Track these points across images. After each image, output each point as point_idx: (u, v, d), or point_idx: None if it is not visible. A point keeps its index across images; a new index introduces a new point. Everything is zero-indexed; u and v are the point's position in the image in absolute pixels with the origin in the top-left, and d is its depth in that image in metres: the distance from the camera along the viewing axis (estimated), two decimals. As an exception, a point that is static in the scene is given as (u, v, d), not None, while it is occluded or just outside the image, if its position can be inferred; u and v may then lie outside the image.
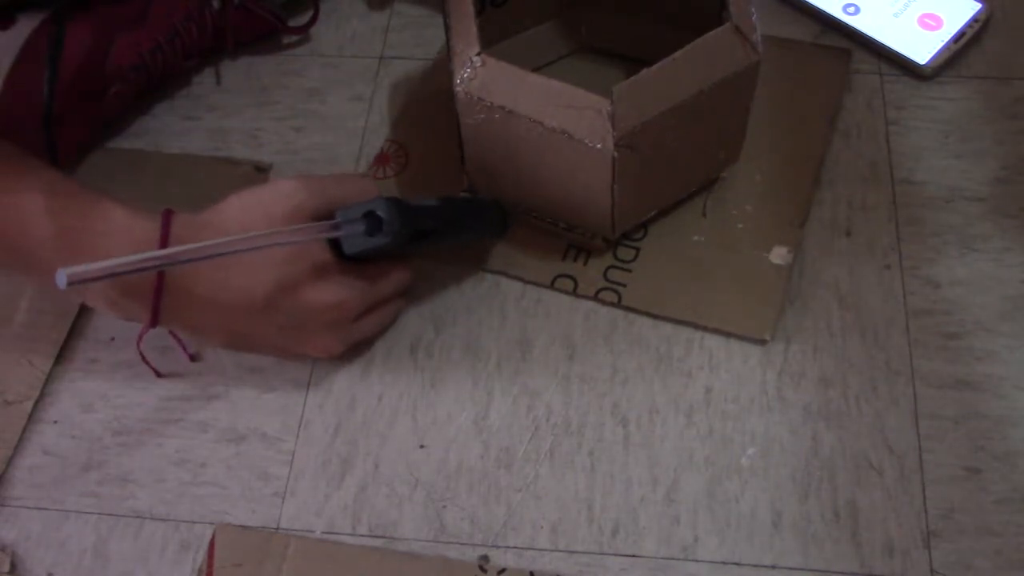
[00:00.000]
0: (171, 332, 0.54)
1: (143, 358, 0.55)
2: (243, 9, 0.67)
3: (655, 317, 0.56)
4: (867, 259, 0.57)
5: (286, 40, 0.71)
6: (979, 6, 0.66)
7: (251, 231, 0.46)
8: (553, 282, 0.57)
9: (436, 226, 0.51)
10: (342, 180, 0.52)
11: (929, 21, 0.66)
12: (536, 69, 0.64)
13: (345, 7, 0.72)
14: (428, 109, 0.65)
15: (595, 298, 0.56)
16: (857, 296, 0.56)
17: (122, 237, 0.47)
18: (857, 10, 0.67)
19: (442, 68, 0.65)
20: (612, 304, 0.56)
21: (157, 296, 0.47)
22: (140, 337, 0.52)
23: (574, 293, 0.57)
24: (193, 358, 0.56)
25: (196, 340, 0.53)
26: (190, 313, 0.49)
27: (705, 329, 0.55)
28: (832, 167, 0.61)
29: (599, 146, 0.49)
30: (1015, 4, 0.67)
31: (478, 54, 0.51)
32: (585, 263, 0.58)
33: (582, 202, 0.54)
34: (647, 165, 0.52)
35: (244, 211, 0.48)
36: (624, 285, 0.57)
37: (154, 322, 0.48)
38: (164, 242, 0.47)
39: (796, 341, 0.55)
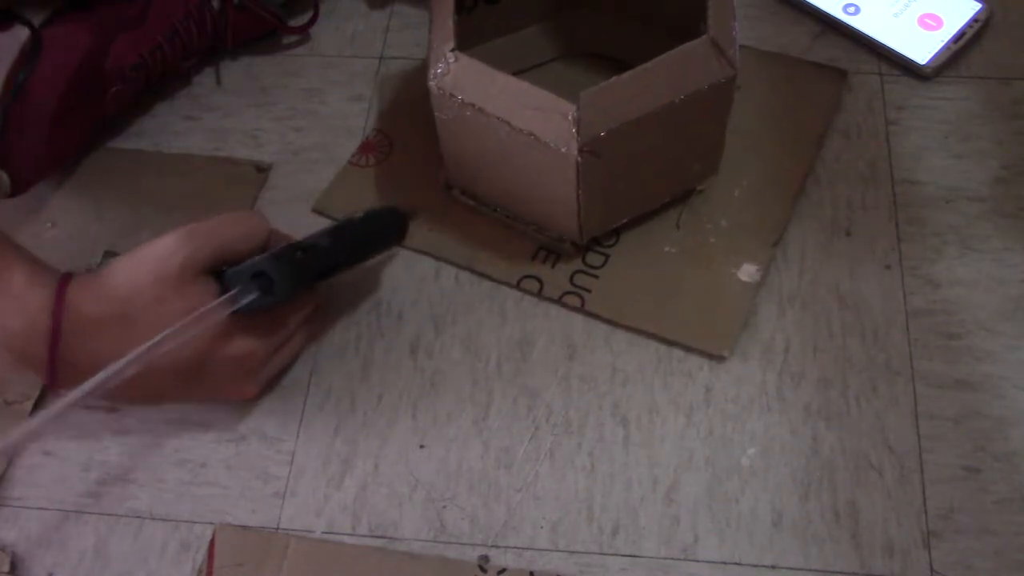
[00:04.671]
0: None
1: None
2: (243, 9, 0.67)
3: (616, 325, 0.55)
4: (867, 259, 0.57)
5: (286, 40, 0.71)
6: (979, 6, 0.66)
7: (144, 293, 0.46)
8: (519, 282, 0.57)
9: (332, 264, 0.51)
10: (230, 222, 0.50)
11: (929, 21, 0.66)
12: (527, 69, 0.64)
13: (345, 7, 0.72)
14: (417, 103, 0.64)
15: (559, 301, 0.56)
16: (857, 296, 0.56)
17: (17, 303, 0.46)
18: (857, 10, 0.67)
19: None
20: (575, 309, 0.56)
21: (51, 370, 0.47)
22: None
23: (539, 295, 0.57)
24: (112, 410, 0.55)
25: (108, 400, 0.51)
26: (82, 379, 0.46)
27: (664, 341, 0.55)
28: (832, 167, 0.61)
29: (563, 150, 0.49)
30: (1015, 4, 0.67)
31: (452, 50, 0.52)
32: (553, 266, 0.58)
33: (550, 205, 0.55)
34: (614, 172, 0.52)
35: (134, 273, 0.47)
36: (589, 291, 0.56)
37: (54, 389, 0.47)
38: (58, 314, 0.46)
39: (796, 341, 0.55)
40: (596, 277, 0.57)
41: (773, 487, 0.50)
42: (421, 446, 0.53)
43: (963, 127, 0.62)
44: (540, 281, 0.57)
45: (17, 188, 0.59)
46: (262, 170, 0.64)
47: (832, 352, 0.54)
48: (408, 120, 0.65)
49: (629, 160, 0.52)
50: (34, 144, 0.60)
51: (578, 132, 0.49)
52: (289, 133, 0.66)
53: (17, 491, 0.53)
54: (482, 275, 0.58)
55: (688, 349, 0.55)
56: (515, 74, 0.51)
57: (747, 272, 0.56)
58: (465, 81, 0.51)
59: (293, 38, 0.71)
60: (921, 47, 0.65)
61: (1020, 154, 0.61)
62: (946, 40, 0.65)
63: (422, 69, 0.67)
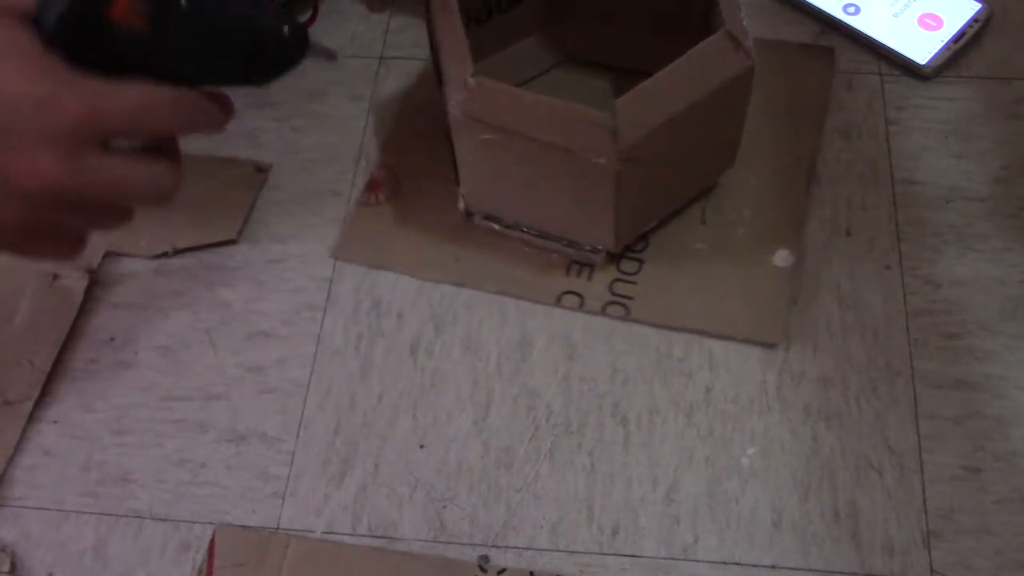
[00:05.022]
0: None
1: None
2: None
3: (665, 328, 0.55)
4: (867, 259, 0.57)
5: (286, 40, 0.70)
6: (979, 6, 0.66)
7: None
8: (559, 299, 0.57)
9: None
10: None
11: (929, 21, 0.66)
12: (522, 84, 0.64)
13: (345, 7, 0.72)
14: (415, 130, 0.64)
15: (603, 313, 0.56)
16: (857, 296, 0.56)
17: None
18: (857, 10, 0.67)
19: (426, 84, 0.65)
20: (620, 318, 0.56)
21: None
22: None
23: (581, 309, 0.56)
24: None
25: None
26: None
27: (716, 336, 0.55)
28: (832, 167, 0.61)
29: (602, 161, 0.49)
30: (1015, 4, 0.67)
31: (473, 75, 0.51)
32: (589, 278, 0.57)
33: (585, 218, 0.54)
34: (648, 177, 0.52)
35: None
36: (631, 298, 0.56)
37: None
38: None
39: (796, 341, 0.55)
40: (635, 284, 0.57)
41: (773, 487, 0.50)
42: (421, 446, 0.53)
43: (963, 127, 0.62)
44: (580, 296, 0.57)
45: None
46: (262, 170, 0.64)
47: (832, 352, 0.54)
48: (410, 150, 0.64)
49: (661, 162, 0.52)
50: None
51: (616, 141, 0.48)
52: (289, 133, 0.66)
53: (17, 491, 0.53)
54: (519, 298, 0.57)
55: (743, 341, 0.54)
56: (517, 87, 0.51)
57: (781, 257, 0.57)
58: (490, 105, 0.50)
59: (293, 38, 0.70)
60: (921, 47, 0.65)
61: (1020, 154, 0.61)
62: (946, 40, 0.65)
63: (411, 93, 0.66)
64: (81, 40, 0.38)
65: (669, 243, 0.58)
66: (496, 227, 0.58)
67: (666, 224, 0.58)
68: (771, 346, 0.54)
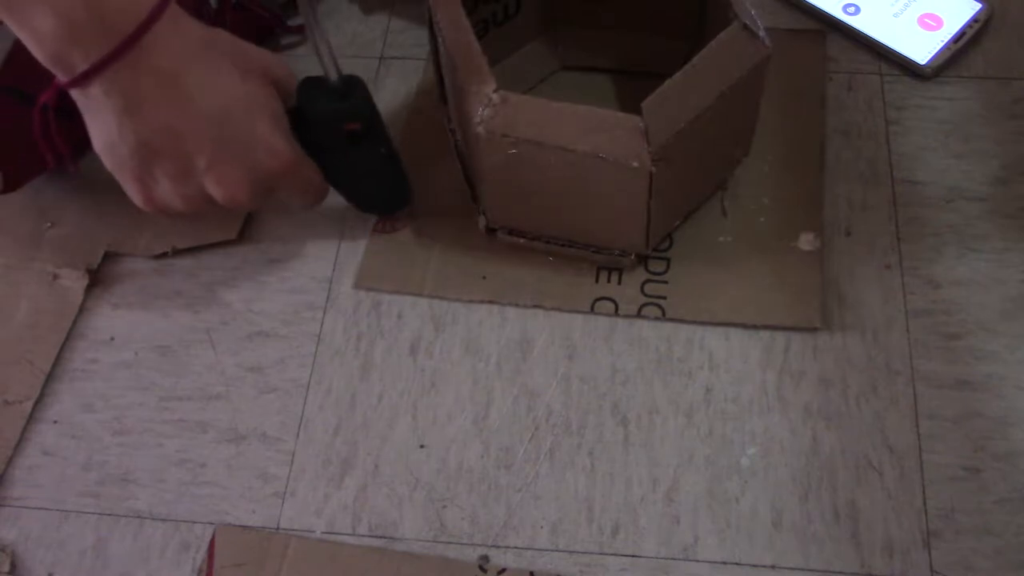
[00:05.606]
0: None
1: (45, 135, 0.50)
2: (241, 8, 0.67)
3: (704, 324, 0.55)
4: (867, 259, 0.57)
5: (285, 40, 0.71)
6: (979, 6, 0.66)
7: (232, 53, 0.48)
8: (593, 307, 0.56)
9: (372, 124, 0.53)
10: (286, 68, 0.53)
11: (929, 21, 0.66)
12: (523, 94, 0.64)
13: (345, 7, 0.72)
14: (418, 150, 0.63)
15: (639, 315, 0.56)
16: (857, 296, 0.56)
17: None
18: (857, 10, 0.67)
19: (422, 101, 0.65)
20: (657, 319, 0.56)
21: (123, 48, 0.43)
22: (52, 91, 0.45)
23: (616, 314, 0.56)
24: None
25: (108, 127, 0.47)
26: (137, 86, 0.44)
27: (756, 327, 0.55)
28: (832, 167, 0.61)
29: (635, 164, 0.49)
30: (1015, 4, 0.67)
31: (495, 91, 0.50)
32: (620, 282, 0.57)
33: (615, 223, 0.54)
34: (678, 175, 0.52)
35: (237, 43, 0.49)
36: (664, 298, 0.56)
37: (86, 78, 0.43)
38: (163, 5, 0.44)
39: (796, 341, 0.55)
40: (666, 283, 0.57)
41: (773, 487, 0.50)
42: (421, 446, 0.53)
43: (963, 127, 0.62)
44: (614, 301, 0.56)
45: (9, 185, 0.59)
46: (262, 170, 0.64)
47: (832, 352, 0.54)
48: (416, 173, 0.61)
49: (690, 159, 0.52)
50: (26, 141, 0.59)
51: (648, 143, 0.48)
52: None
53: (17, 491, 0.53)
54: (554, 310, 0.57)
55: (783, 329, 0.55)
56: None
57: (806, 241, 0.57)
58: (516, 118, 0.50)
59: (293, 38, 0.70)
60: (921, 47, 0.65)
61: (1020, 154, 0.61)
62: (946, 40, 0.65)
63: (419, 121, 0.65)
64: (313, 127, 0.52)
65: (693, 239, 0.58)
66: (521, 241, 0.58)
67: (687, 220, 0.58)
68: (813, 330, 0.54)
